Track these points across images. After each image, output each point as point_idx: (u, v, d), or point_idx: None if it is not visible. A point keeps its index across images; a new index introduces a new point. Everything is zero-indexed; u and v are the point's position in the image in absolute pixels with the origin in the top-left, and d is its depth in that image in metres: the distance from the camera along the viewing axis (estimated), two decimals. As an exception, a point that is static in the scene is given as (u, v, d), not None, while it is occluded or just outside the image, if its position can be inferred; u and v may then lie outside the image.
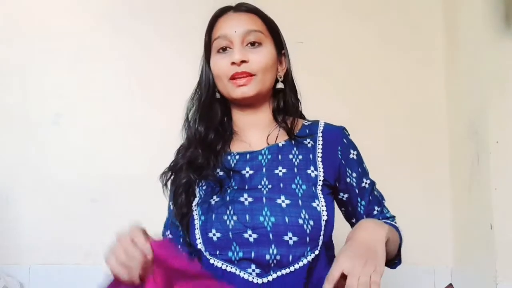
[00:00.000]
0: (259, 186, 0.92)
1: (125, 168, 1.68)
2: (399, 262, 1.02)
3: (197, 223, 0.92)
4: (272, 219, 0.88)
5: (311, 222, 0.87)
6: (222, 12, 1.00)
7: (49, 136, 1.73)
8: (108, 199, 1.68)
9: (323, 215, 0.89)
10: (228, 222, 0.89)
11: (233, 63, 0.93)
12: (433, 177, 1.71)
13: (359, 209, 1.00)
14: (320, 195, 0.91)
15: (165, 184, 0.99)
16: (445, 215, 1.69)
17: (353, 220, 1.03)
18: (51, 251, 1.68)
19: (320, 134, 0.99)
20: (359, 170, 1.00)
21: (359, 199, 1.00)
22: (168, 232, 1.00)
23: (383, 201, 1.04)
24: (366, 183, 1.01)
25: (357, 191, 0.99)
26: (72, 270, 1.66)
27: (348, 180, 0.98)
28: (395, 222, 1.02)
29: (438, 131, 1.72)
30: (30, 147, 1.73)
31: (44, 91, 1.75)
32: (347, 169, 0.98)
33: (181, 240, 0.97)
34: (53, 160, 1.72)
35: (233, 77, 0.93)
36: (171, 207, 0.99)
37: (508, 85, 1.40)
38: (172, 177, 0.99)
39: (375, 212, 1.01)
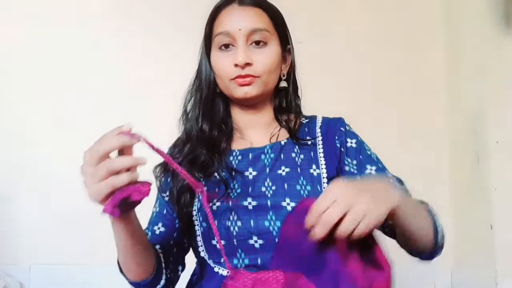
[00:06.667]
0: (263, 189, 0.87)
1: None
2: (435, 252, 0.90)
3: (198, 229, 0.89)
4: (278, 223, 0.83)
5: None
6: (225, 2, 0.92)
7: (49, 136, 1.73)
8: (108, 199, 1.68)
9: None
10: (232, 228, 0.84)
11: (236, 65, 0.88)
12: (433, 177, 1.71)
13: None
14: None
15: (157, 177, 0.94)
16: (445, 215, 1.68)
17: None
18: (51, 251, 1.68)
19: (318, 130, 0.95)
20: (361, 157, 0.92)
21: None
22: (160, 224, 0.93)
23: (404, 185, 0.94)
24: (371, 169, 0.91)
25: (359, 178, 0.90)
26: (72, 270, 1.66)
27: (347, 168, 0.91)
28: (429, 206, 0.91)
29: (438, 131, 1.72)
30: (30, 147, 1.73)
31: (44, 90, 1.75)
32: (347, 158, 0.92)
33: (174, 235, 0.93)
34: (53, 160, 1.72)
35: (235, 78, 0.89)
36: (166, 199, 0.94)
37: (508, 85, 1.40)
38: (165, 171, 0.94)
39: None
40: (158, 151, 0.69)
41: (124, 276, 0.86)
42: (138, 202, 0.70)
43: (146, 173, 0.99)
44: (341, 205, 0.64)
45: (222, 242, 0.84)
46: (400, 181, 0.95)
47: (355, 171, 0.91)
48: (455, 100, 1.67)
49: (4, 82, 1.76)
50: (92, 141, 0.72)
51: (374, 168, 0.92)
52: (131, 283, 0.86)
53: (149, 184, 0.69)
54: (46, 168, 1.71)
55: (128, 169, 0.67)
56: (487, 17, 1.42)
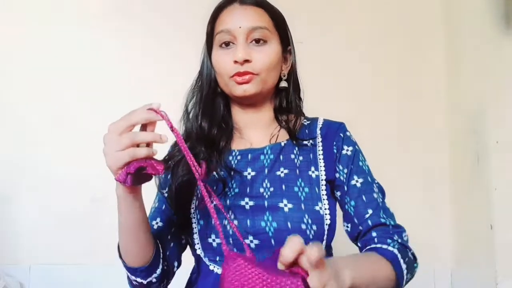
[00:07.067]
0: (261, 190, 0.89)
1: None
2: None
3: (195, 227, 0.90)
4: (274, 224, 0.84)
5: (314, 227, 0.85)
6: (227, 2, 0.94)
7: (49, 136, 1.73)
8: (108, 199, 1.67)
9: (326, 219, 0.86)
10: (228, 227, 0.85)
11: (235, 62, 0.88)
12: (433, 177, 1.71)
13: (348, 210, 0.91)
14: (324, 197, 0.89)
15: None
16: (445, 215, 1.68)
17: (347, 226, 0.92)
18: (51, 251, 1.68)
19: (319, 132, 0.96)
20: (352, 167, 0.92)
21: (347, 198, 0.91)
22: (158, 219, 0.94)
23: (383, 205, 0.91)
24: (357, 181, 0.91)
25: (345, 188, 0.91)
26: (72, 269, 1.66)
27: (337, 175, 0.92)
28: (398, 239, 0.88)
29: (438, 131, 1.72)
30: (30, 147, 1.73)
31: (44, 90, 1.75)
32: (339, 164, 0.92)
33: (172, 230, 0.93)
34: (53, 160, 1.72)
35: (234, 75, 0.90)
36: (165, 195, 0.94)
37: (508, 85, 1.40)
38: (165, 168, 0.92)
39: (367, 216, 0.89)
40: (175, 130, 0.73)
41: (123, 261, 0.86)
42: (150, 177, 0.75)
43: (153, 181, 1.00)
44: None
45: (218, 240, 0.86)
46: (383, 194, 0.95)
47: (344, 180, 0.92)
48: (455, 100, 1.67)
49: (4, 82, 1.76)
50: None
51: (360, 180, 0.92)
52: (128, 269, 0.86)
53: (163, 164, 0.73)
54: (46, 168, 1.71)
55: (147, 145, 0.72)
56: (487, 17, 1.42)
